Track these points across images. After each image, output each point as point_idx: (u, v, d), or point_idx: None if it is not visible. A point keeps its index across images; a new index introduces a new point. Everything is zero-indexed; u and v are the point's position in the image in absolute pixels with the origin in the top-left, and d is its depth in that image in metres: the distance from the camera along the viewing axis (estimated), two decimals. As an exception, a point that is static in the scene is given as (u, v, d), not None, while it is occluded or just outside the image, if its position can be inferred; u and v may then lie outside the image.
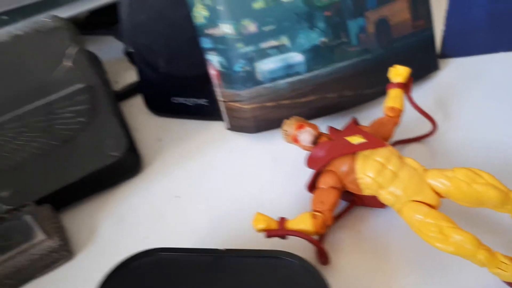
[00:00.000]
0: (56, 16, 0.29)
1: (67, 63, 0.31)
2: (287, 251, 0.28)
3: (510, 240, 0.31)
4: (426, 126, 0.40)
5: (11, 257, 0.33)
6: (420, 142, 0.40)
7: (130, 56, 0.56)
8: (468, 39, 0.46)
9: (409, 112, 0.40)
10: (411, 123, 0.41)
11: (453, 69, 0.47)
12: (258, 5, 0.37)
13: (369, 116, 0.42)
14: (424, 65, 0.45)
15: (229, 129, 0.44)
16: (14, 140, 0.31)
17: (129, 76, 0.53)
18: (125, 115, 0.48)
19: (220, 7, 0.37)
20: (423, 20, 0.43)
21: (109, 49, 0.59)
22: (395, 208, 0.31)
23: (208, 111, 0.45)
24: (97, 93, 0.33)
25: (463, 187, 0.29)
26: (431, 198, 0.30)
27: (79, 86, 0.32)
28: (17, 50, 0.28)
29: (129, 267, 0.28)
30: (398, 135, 0.39)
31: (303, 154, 0.36)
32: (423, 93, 0.44)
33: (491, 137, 0.39)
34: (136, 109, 0.50)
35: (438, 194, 0.30)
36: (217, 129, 0.45)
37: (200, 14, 0.39)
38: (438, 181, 0.30)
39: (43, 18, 0.28)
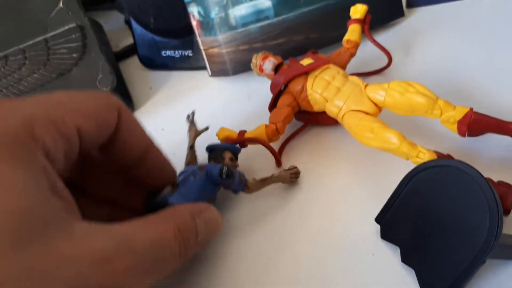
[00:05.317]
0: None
1: (60, 5, 0.36)
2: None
3: (442, 144, 0.34)
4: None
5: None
6: (380, 74, 0.43)
7: (129, 24, 0.62)
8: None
9: (373, 51, 0.44)
10: (373, 61, 0.45)
11: (419, 16, 0.50)
12: (226, -46, 0.42)
13: (334, 56, 0.46)
14: (389, 11, 0.49)
15: (211, 75, 0.49)
16: (17, 71, 0.37)
17: (128, 41, 0.59)
18: (122, 71, 0.54)
19: (193, -42, 0.42)
20: (385, -32, 0.47)
21: (113, 22, 0.65)
22: (339, 118, 0.35)
23: (193, 62, 0.51)
24: (88, 33, 0.38)
25: (396, 96, 0.33)
26: (368, 107, 0.34)
27: (71, 25, 0.37)
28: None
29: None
30: (361, 69, 0.43)
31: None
32: (387, 36, 0.48)
33: (443, 67, 0.42)
34: (132, 67, 0.55)
35: (376, 104, 0.34)
36: (201, 77, 0.50)
37: (178, -32, 0.44)
38: (375, 93, 0.34)
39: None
